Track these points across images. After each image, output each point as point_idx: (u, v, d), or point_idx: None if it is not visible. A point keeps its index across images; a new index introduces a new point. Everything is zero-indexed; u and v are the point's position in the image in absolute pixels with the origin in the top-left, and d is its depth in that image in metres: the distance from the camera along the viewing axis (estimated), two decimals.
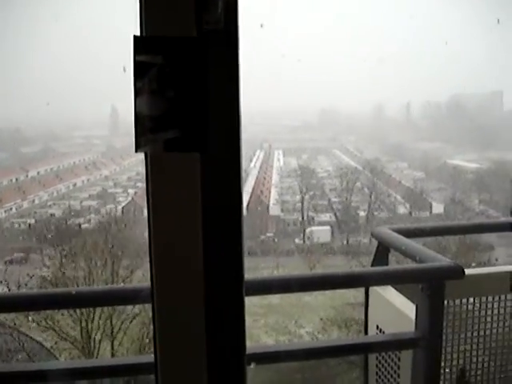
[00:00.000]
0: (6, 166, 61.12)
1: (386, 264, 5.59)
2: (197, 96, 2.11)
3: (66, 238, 33.81)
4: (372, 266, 5.65)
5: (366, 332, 5.62)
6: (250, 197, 49.11)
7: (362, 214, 46.80)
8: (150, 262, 2.24)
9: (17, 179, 58.13)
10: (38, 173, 60.05)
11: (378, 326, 5.43)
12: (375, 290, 5.51)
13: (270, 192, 50.86)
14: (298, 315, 32.00)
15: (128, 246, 32.43)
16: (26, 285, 28.91)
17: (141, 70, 2.11)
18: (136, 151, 2.16)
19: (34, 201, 53.83)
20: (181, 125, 2.10)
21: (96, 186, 58.09)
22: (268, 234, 45.15)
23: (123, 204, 48.92)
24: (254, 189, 51.16)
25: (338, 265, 37.37)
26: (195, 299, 2.17)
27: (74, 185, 58.77)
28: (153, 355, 2.25)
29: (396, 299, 5.21)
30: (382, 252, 5.59)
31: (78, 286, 29.19)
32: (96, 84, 64.56)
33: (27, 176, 58.97)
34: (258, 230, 45.00)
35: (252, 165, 58.93)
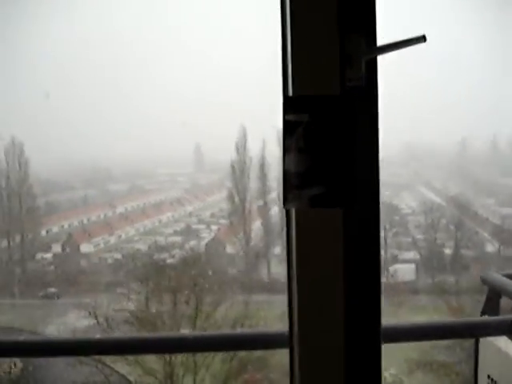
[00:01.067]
0: (95, 203, 63.70)
1: (498, 311, 5.39)
2: (341, 153, 2.16)
3: (152, 273, 34.51)
4: (482, 312, 5.45)
5: (475, 382, 5.41)
6: None
7: (448, 251, 45.41)
8: (289, 309, 2.29)
9: (105, 215, 60.35)
10: (126, 209, 62.12)
11: (489, 376, 5.21)
12: (486, 339, 5.31)
13: None
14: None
15: (211, 282, 32.74)
16: (112, 319, 29.62)
17: (289, 129, 2.17)
18: (283, 207, 2.22)
19: (121, 236, 55.61)
20: (326, 181, 2.15)
21: (180, 222, 59.34)
22: None
23: (206, 240, 49.70)
24: None
25: (425, 305, 36.38)
26: (335, 347, 2.22)
27: (160, 221, 60.37)
28: None
29: (511, 348, 4.99)
30: (493, 298, 5.39)
31: (162, 321, 29.65)
32: (180, 122, 66.51)
33: (115, 212, 61.13)
34: None
35: None
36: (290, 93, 2.24)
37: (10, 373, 30.41)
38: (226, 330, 26.86)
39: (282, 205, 2.19)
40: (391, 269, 43.78)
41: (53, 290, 41.19)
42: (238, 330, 24.64)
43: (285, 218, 2.30)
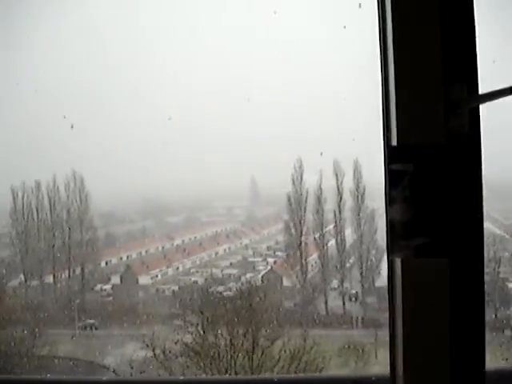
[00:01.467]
0: (153, 234, 64.71)
1: None
2: (446, 202, 2.13)
3: (208, 305, 34.59)
4: None
5: None
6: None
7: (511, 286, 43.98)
8: (391, 354, 2.22)
9: (163, 247, 61.18)
10: (183, 241, 62.78)
11: None
12: None
13: None
14: None
15: (268, 316, 32.54)
16: (169, 351, 29.72)
17: (394, 179, 2.16)
18: (388, 257, 2.19)
19: (178, 268, 56.07)
20: (431, 231, 2.12)
21: (236, 254, 59.51)
22: None
23: (262, 273, 49.61)
24: None
25: (488, 341, 35.09)
26: None
27: (216, 253, 60.66)
28: None
29: None
30: None
31: (219, 354, 29.56)
32: (235, 156, 67.21)
33: (172, 244, 61.89)
34: None
35: None
36: (393, 142, 2.22)
37: None
38: (301, 374, 26.58)
39: (387, 254, 2.16)
40: None
41: (91, 321, 41.79)
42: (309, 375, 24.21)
43: (386, 267, 2.27)
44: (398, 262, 2.22)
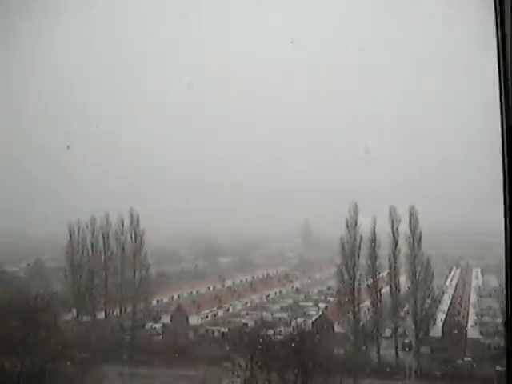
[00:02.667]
0: (204, 274, 64.74)
1: None
2: None
3: (258, 349, 34.01)
4: None
5: None
6: (446, 316, 46.28)
7: None
8: None
9: (214, 287, 61.00)
10: (234, 282, 62.50)
11: None
12: None
13: (467, 312, 47.60)
14: None
15: (319, 362, 31.77)
16: None
17: None
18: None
19: (228, 309, 55.57)
20: None
21: (287, 298, 58.76)
22: (466, 359, 41.77)
23: (313, 318, 48.69)
24: (450, 308, 48.31)
25: None
26: None
27: (267, 296, 60.02)
28: None
29: None
30: None
31: None
32: (288, 197, 67.18)
33: (223, 285, 61.65)
34: (455, 353, 41.88)
35: (448, 283, 56.13)
36: None
37: None
38: None
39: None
40: None
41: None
42: None
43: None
44: None
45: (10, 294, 44.89)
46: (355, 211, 45.34)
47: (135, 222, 49.90)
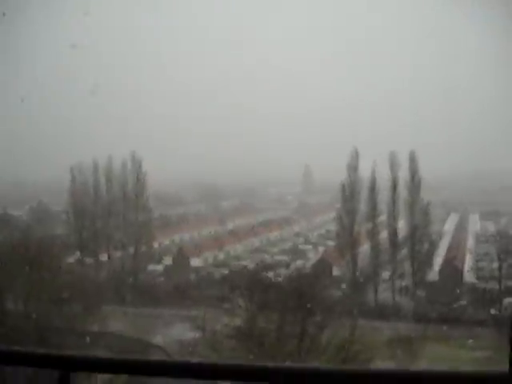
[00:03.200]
0: (205, 218, 65.31)
1: None
2: None
3: (258, 291, 34.65)
4: None
5: None
6: (443, 261, 46.97)
7: None
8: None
9: (215, 231, 61.69)
10: (235, 226, 63.15)
11: None
12: None
13: (464, 257, 48.28)
14: None
15: (317, 303, 32.40)
16: (221, 333, 29.98)
17: None
18: None
19: (229, 252, 56.49)
20: None
21: (287, 241, 59.50)
22: (461, 302, 42.66)
23: (313, 261, 49.50)
24: (447, 253, 48.97)
25: None
26: None
27: (267, 239, 60.78)
28: None
29: None
30: None
31: (268, 339, 29.65)
32: (289, 142, 67.10)
33: (225, 228, 62.30)
34: (451, 296, 42.71)
35: (446, 228, 56.71)
36: None
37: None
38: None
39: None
40: (506, 301, 41.58)
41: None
42: None
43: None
44: None
45: (13, 236, 45.42)
46: (356, 156, 45.56)
47: (137, 165, 50.14)
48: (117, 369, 2.70)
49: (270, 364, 2.55)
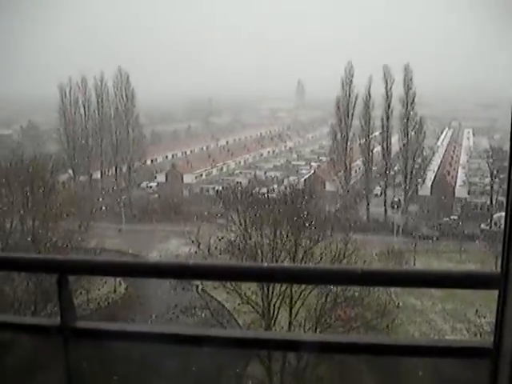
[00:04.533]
0: (197, 135, 64.90)
1: None
2: None
3: (251, 206, 34.84)
4: None
5: None
6: (435, 176, 47.21)
7: None
8: (504, 252, 1.91)
9: (207, 147, 61.40)
10: (227, 142, 62.87)
11: None
12: None
13: (456, 173, 48.52)
14: (479, 303, 30.32)
15: (310, 218, 32.68)
16: (215, 247, 30.36)
17: None
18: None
19: (222, 169, 56.45)
20: None
21: (280, 157, 59.42)
22: (452, 217, 43.23)
23: (305, 176, 49.58)
24: (439, 168, 49.17)
25: None
26: None
27: (261, 155, 60.63)
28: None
29: None
30: None
31: (262, 252, 30.10)
32: (282, 59, 65.87)
33: (217, 145, 62.06)
34: (442, 211, 43.22)
35: (439, 143, 56.55)
36: None
37: (114, 291, 32.22)
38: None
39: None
40: (496, 216, 42.13)
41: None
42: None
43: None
44: None
45: (5, 156, 45.12)
46: (350, 71, 44.83)
47: (126, 81, 49.31)
48: (115, 272, 2.64)
49: (266, 264, 2.58)
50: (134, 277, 2.75)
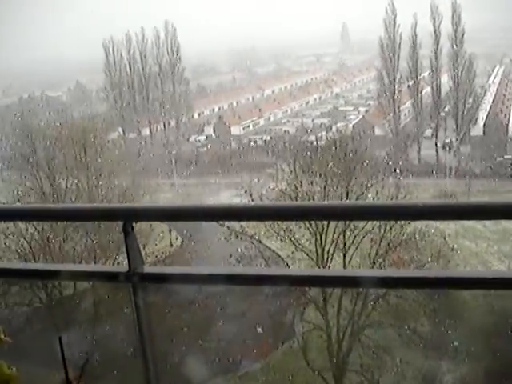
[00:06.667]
0: (242, 86, 64.62)
1: None
2: None
3: (300, 154, 34.76)
4: None
5: None
6: (487, 116, 45.91)
7: None
8: None
9: (253, 98, 61.15)
10: (273, 91, 62.40)
11: None
12: None
13: (510, 111, 47.06)
14: None
15: (360, 164, 32.45)
16: (267, 198, 30.63)
17: None
18: None
19: (269, 118, 56.24)
20: None
21: (327, 103, 58.71)
22: (506, 156, 42.16)
23: (354, 122, 48.99)
24: (491, 107, 47.72)
25: None
26: None
27: (307, 103, 60.05)
28: None
29: None
30: None
31: (314, 200, 30.17)
32: (324, 2, 64.41)
33: (263, 95, 61.71)
34: (496, 150, 42.17)
35: (490, 81, 54.66)
36: None
37: (171, 245, 32.95)
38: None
39: None
40: None
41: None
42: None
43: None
44: None
45: (56, 117, 45.92)
46: (393, 11, 43.58)
47: (171, 36, 49.31)
48: (176, 216, 2.77)
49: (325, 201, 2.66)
50: (194, 220, 2.89)
